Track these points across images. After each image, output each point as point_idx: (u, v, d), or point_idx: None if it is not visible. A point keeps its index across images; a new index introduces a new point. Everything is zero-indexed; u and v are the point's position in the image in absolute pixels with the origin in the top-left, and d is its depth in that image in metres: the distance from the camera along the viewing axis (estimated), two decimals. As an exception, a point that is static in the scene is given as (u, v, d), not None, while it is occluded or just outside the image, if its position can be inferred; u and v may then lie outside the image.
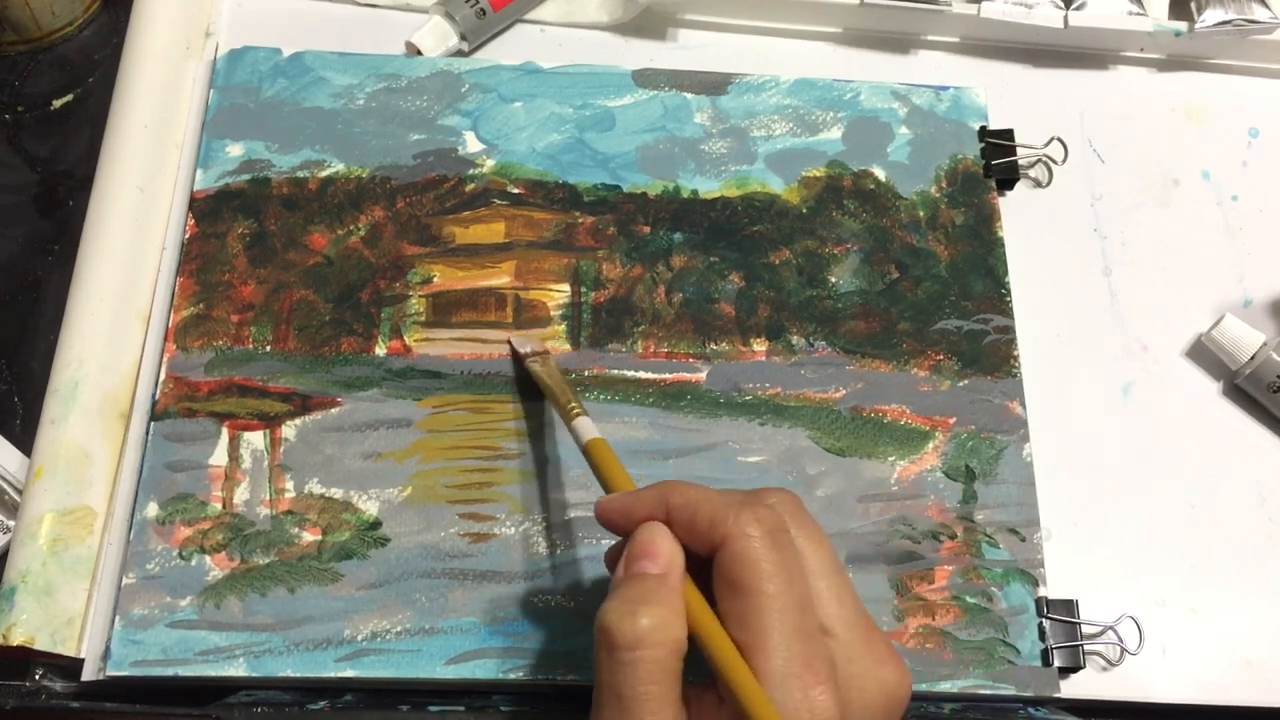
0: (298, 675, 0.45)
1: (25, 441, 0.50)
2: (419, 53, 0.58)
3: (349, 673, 0.45)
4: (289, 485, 0.48)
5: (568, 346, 0.52)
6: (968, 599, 0.49)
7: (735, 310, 0.53)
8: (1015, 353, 0.54)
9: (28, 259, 0.55)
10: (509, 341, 0.52)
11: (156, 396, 0.49)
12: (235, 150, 0.54)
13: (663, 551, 0.36)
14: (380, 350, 0.51)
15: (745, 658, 0.34)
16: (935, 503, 0.50)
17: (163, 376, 0.50)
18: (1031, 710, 0.49)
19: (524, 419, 0.50)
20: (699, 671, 0.35)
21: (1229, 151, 0.62)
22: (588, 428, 0.44)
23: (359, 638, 0.46)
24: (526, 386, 0.51)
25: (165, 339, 0.51)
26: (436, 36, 0.58)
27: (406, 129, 0.56)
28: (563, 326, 0.52)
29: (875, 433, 0.52)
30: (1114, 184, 0.61)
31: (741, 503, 0.36)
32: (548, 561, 0.48)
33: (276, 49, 0.57)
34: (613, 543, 0.40)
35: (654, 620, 0.34)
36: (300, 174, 0.54)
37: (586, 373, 0.51)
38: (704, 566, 0.37)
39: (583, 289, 0.53)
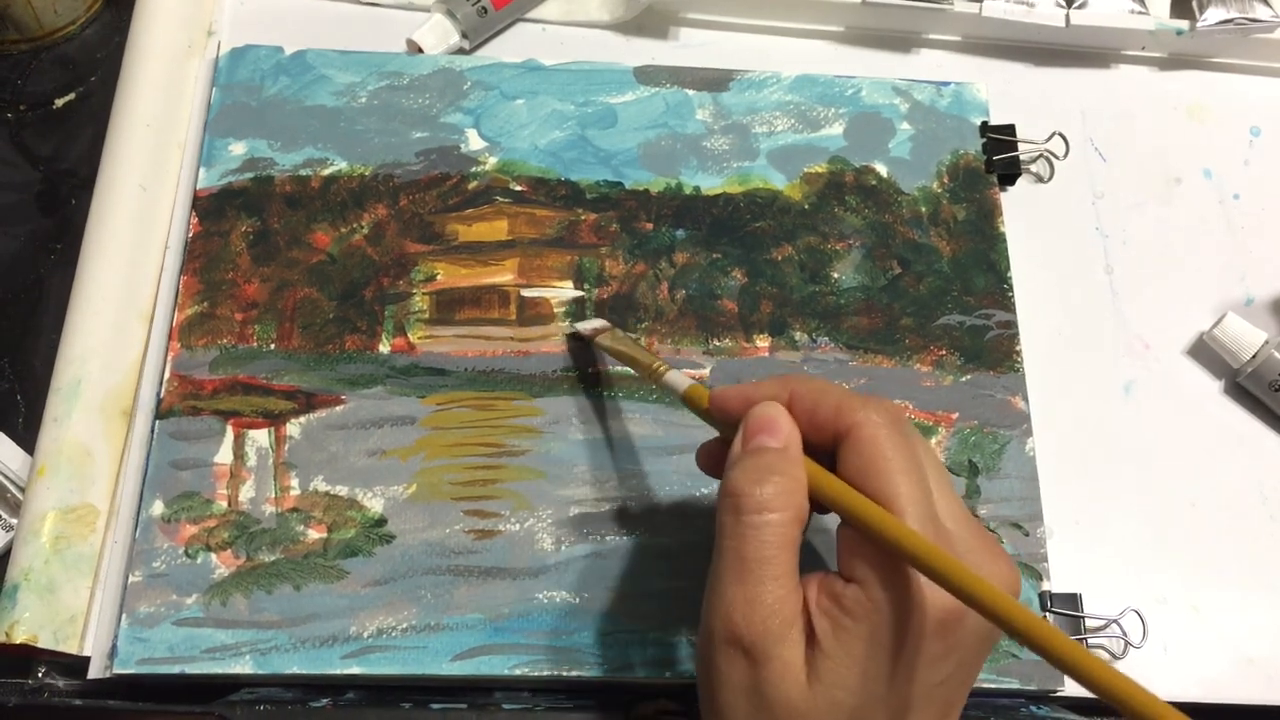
0: (304, 672, 0.45)
1: (28, 439, 0.50)
2: (420, 51, 0.58)
3: (355, 669, 0.45)
4: (294, 483, 0.48)
5: (570, 343, 0.52)
6: (971, 595, 0.49)
7: (738, 306, 0.54)
8: (1018, 348, 0.54)
9: (30, 257, 0.55)
10: (570, 333, 0.52)
11: (161, 395, 0.49)
12: (238, 149, 0.54)
13: (782, 427, 0.37)
14: (384, 348, 0.51)
15: None
16: (939, 499, 0.51)
17: (167, 375, 0.50)
18: (1034, 708, 0.49)
19: (528, 416, 0.50)
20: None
21: (1231, 150, 0.62)
22: (679, 379, 0.44)
23: (365, 634, 0.46)
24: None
25: (169, 337, 0.51)
26: (438, 34, 0.58)
27: (409, 127, 0.56)
28: (566, 323, 0.52)
29: (878, 429, 0.52)
30: (1115, 182, 0.61)
31: (864, 396, 0.38)
32: (552, 558, 0.48)
33: (278, 47, 0.57)
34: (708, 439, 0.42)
35: (780, 487, 0.36)
36: (303, 172, 0.54)
37: (589, 369, 0.52)
38: (820, 460, 0.38)
39: (586, 286, 0.53)
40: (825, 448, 0.38)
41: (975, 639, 0.35)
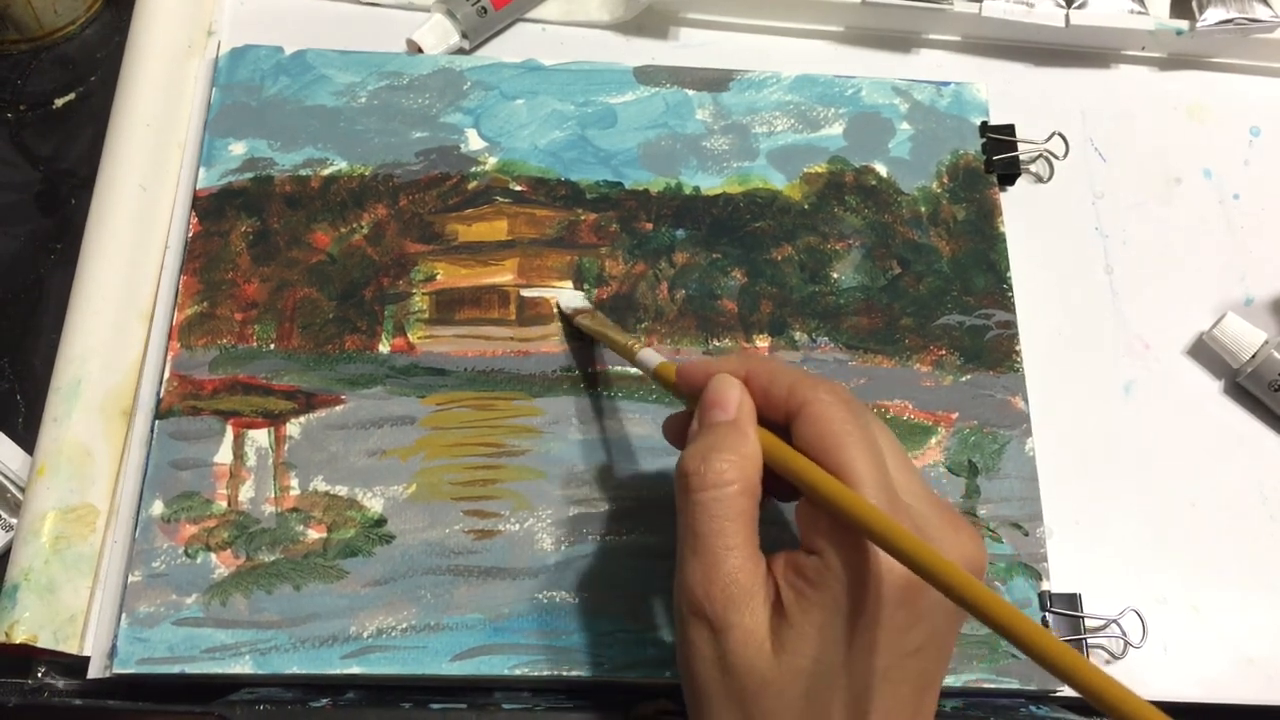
0: (304, 672, 0.45)
1: (28, 439, 0.50)
2: (420, 51, 0.58)
3: (355, 669, 0.45)
4: (294, 483, 0.48)
5: (572, 342, 0.52)
6: (971, 595, 0.49)
7: (738, 306, 0.54)
8: (1017, 348, 0.54)
9: (30, 257, 0.55)
10: (554, 304, 0.52)
11: (161, 394, 0.49)
12: (238, 148, 0.54)
13: (732, 399, 0.39)
14: (384, 348, 0.51)
15: None
16: (938, 499, 0.51)
17: (167, 374, 0.50)
18: (1033, 708, 0.49)
19: (528, 416, 0.50)
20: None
21: (1230, 150, 0.62)
22: (652, 356, 0.45)
23: (364, 634, 0.46)
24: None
25: (169, 337, 0.51)
26: (438, 34, 0.58)
27: (409, 127, 0.56)
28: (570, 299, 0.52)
29: (878, 429, 0.52)
30: (1115, 182, 0.61)
31: (820, 377, 0.39)
32: (552, 558, 0.48)
33: (278, 47, 0.57)
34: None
35: (726, 462, 0.37)
36: (303, 172, 0.54)
37: (589, 369, 0.52)
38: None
39: (585, 286, 0.53)
40: (781, 425, 0.38)
41: (944, 609, 0.36)
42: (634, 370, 0.51)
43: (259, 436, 0.49)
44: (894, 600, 0.35)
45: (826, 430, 0.36)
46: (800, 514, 0.37)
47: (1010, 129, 0.58)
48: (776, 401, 0.38)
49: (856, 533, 0.35)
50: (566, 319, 0.52)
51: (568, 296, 0.52)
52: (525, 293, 0.53)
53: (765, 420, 0.39)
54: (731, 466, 0.37)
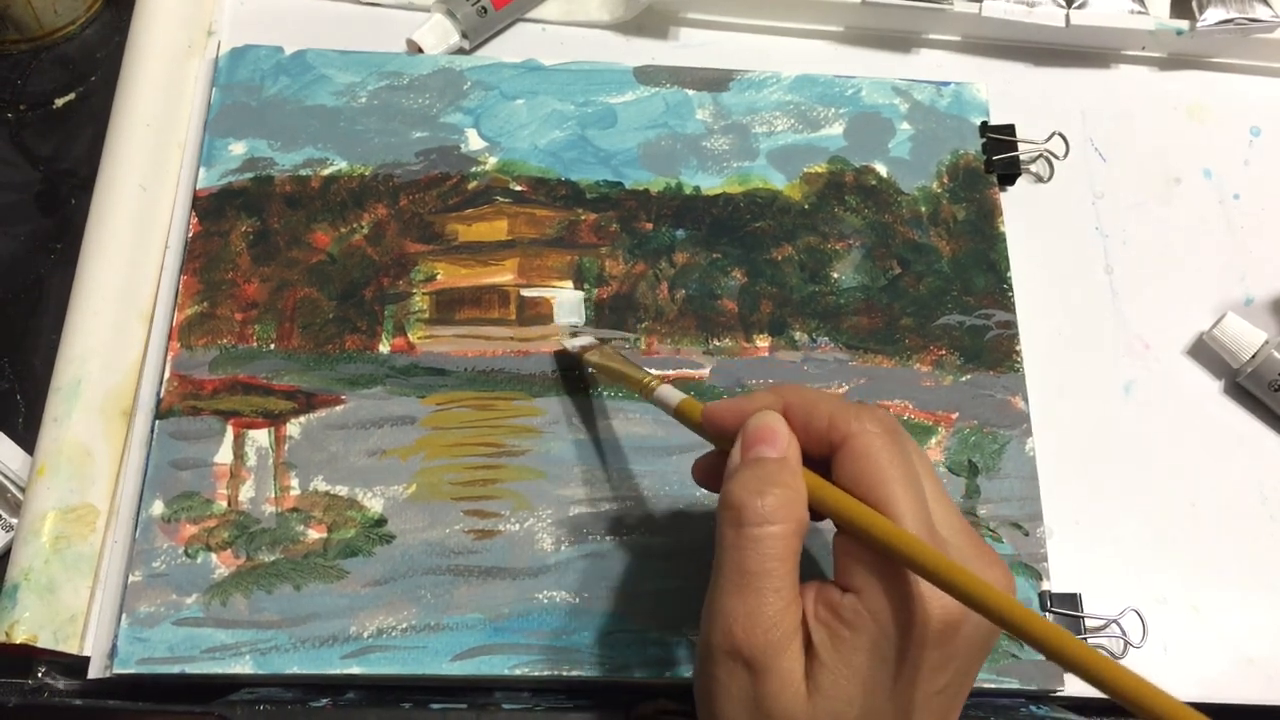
0: (304, 672, 0.45)
1: (28, 439, 0.50)
2: (420, 51, 0.58)
3: (355, 669, 0.45)
4: (294, 483, 0.48)
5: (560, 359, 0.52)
6: (971, 595, 0.49)
7: (738, 306, 0.54)
8: (1017, 348, 0.54)
9: (30, 257, 0.55)
10: (558, 352, 0.51)
11: (161, 394, 0.49)
12: (238, 148, 0.54)
13: (781, 436, 0.37)
14: (384, 348, 0.51)
15: None
16: (938, 499, 0.51)
17: (167, 374, 0.50)
18: (1034, 708, 0.49)
19: (528, 416, 0.50)
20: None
21: (1230, 150, 0.62)
22: (671, 394, 0.43)
23: (365, 634, 0.46)
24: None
25: (169, 337, 0.51)
26: (438, 34, 0.58)
27: (409, 127, 0.56)
28: (561, 330, 0.52)
29: (878, 429, 0.52)
30: (1115, 182, 0.61)
31: (857, 405, 0.37)
32: (552, 558, 0.48)
33: (278, 47, 0.57)
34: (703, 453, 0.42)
35: (781, 499, 0.35)
36: (303, 172, 0.54)
37: (590, 369, 0.52)
38: (815, 469, 0.37)
39: (586, 286, 0.53)
40: (819, 458, 0.38)
41: (972, 646, 0.35)
42: (624, 386, 0.51)
43: (259, 436, 0.49)
44: (932, 641, 0.34)
45: (869, 465, 0.36)
46: (838, 549, 0.36)
47: (1010, 129, 0.58)
48: (816, 434, 0.37)
49: (897, 571, 0.34)
50: (569, 362, 0.51)
51: (573, 341, 0.51)
52: (525, 293, 0.53)
53: (803, 453, 0.38)
54: (784, 504, 0.35)
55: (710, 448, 0.42)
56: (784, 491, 0.36)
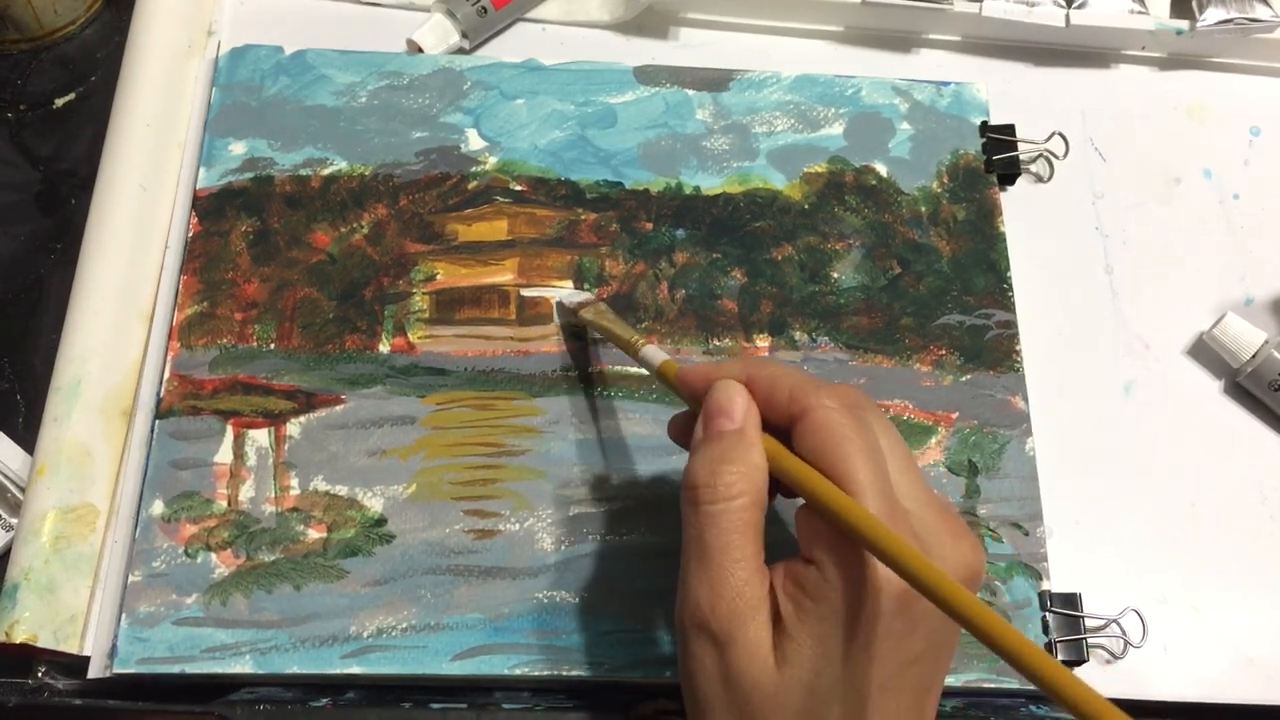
0: (304, 672, 0.45)
1: (28, 439, 0.50)
2: (420, 51, 0.58)
3: (355, 669, 0.45)
4: (294, 482, 0.48)
5: (571, 343, 0.52)
6: (971, 595, 0.49)
7: (738, 306, 0.54)
8: (1017, 348, 0.54)
9: (30, 257, 0.55)
10: (555, 303, 0.52)
11: (161, 394, 0.49)
12: (238, 148, 0.54)
13: (738, 407, 0.38)
14: (384, 347, 0.51)
15: None
16: (938, 499, 0.51)
17: (167, 374, 0.50)
18: (1034, 708, 0.49)
19: (528, 415, 0.50)
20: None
21: (1230, 150, 0.62)
22: (655, 353, 0.44)
23: (365, 634, 0.46)
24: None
25: (169, 337, 0.51)
26: (438, 34, 0.58)
27: (409, 127, 0.56)
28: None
29: (878, 429, 0.52)
30: (1115, 182, 0.61)
31: (820, 381, 0.38)
32: (552, 558, 0.48)
33: (278, 47, 0.57)
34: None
35: (735, 474, 0.36)
36: (303, 172, 0.54)
37: (590, 369, 0.52)
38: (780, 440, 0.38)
39: (586, 286, 0.53)
40: (782, 430, 0.38)
41: (941, 615, 0.35)
42: (634, 370, 0.51)
43: (259, 436, 0.49)
44: (891, 610, 0.35)
45: (827, 437, 0.36)
46: (800, 521, 0.37)
47: (1010, 129, 0.58)
48: (778, 406, 0.38)
49: (852, 542, 0.35)
50: (568, 314, 0.52)
51: (567, 294, 0.52)
52: (525, 292, 0.53)
53: (767, 425, 0.38)
54: (740, 479, 0.36)
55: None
56: (738, 465, 0.36)
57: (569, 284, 0.53)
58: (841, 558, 0.35)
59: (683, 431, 0.42)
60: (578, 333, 0.52)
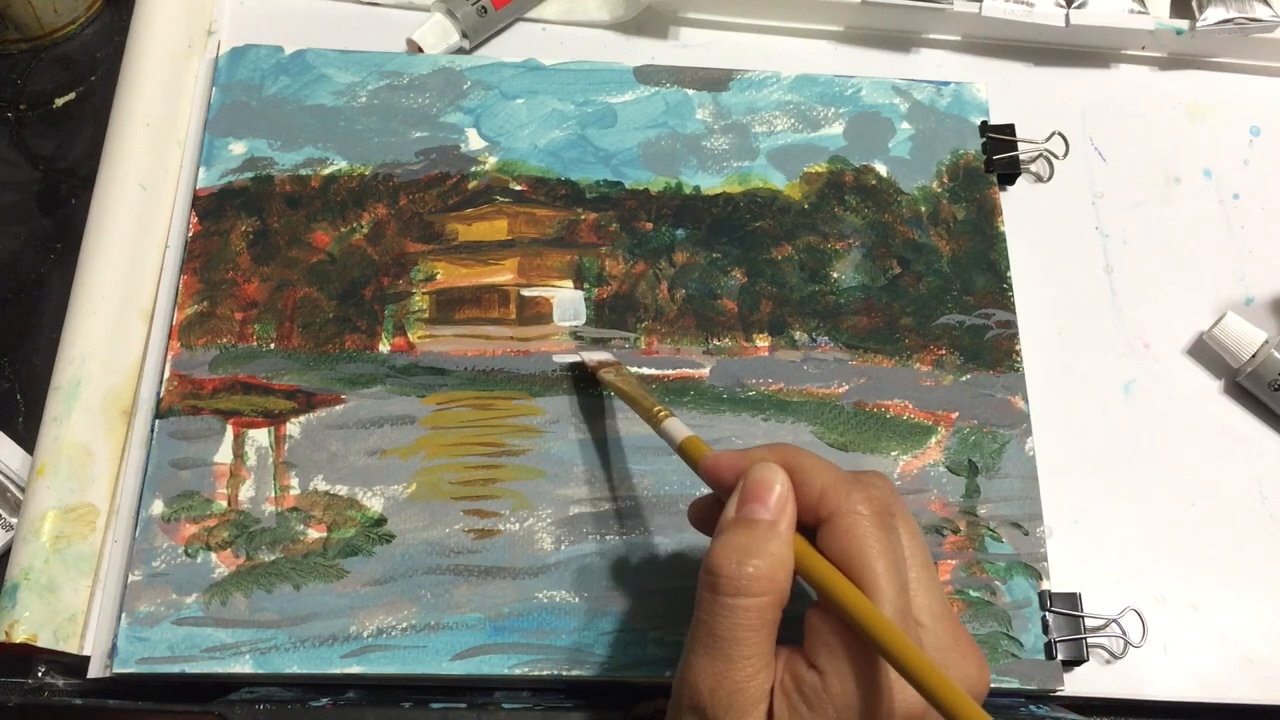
0: (304, 671, 0.45)
1: (28, 439, 0.50)
2: (420, 50, 0.58)
3: (355, 669, 0.45)
4: (294, 482, 0.48)
5: (571, 343, 0.52)
6: (971, 593, 0.49)
7: (738, 306, 0.54)
8: (1017, 347, 0.54)
9: (30, 257, 0.55)
10: (579, 360, 0.51)
11: (161, 394, 0.49)
12: (238, 148, 0.54)
13: (774, 496, 0.36)
14: (384, 347, 0.51)
15: None
16: (938, 497, 0.51)
17: (167, 374, 0.50)
18: (1034, 708, 0.49)
19: (528, 415, 0.50)
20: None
21: (1230, 150, 0.63)
22: (678, 428, 0.43)
23: (364, 634, 0.46)
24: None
25: (169, 336, 0.51)
26: (438, 34, 0.58)
27: (409, 126, 0.56)
28: (567, 337, 0.52)
29: (878, 428, 0.52)
30: (1115, 182, 0.61)
31: (852, 480, 0.36)
32: (552, 557, 0.48)
33: (278, 47, 0.57)
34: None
35: (761, 569, 0.35)
36: (303, 171, 0.54)
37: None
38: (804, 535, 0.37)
39: (586, 285, 0.53)
40: (808, 526, 0.37)
41: None
42: (634, 369, 0.51)
43: (259, 436, 0.49)
44: None
45: (855, 547, 0.35)
46: (811, 622, 0.36)
47: (1010, 129, 0.58)
48: (806, 501, 0.36)
49: (865, 659, 0.34)
50: (585, 371, 0.51)
51: (591, 355, 0.51)
52: (525, 292, 0.53)
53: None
54: (765, 576, 0.34)
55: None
56: (766, 562, 0.35)
57: (569, 283, 0.53)
58: (849, 673, 0.34)
59: (703, 517, 0.41)
60: (588, 381, 0.51)
